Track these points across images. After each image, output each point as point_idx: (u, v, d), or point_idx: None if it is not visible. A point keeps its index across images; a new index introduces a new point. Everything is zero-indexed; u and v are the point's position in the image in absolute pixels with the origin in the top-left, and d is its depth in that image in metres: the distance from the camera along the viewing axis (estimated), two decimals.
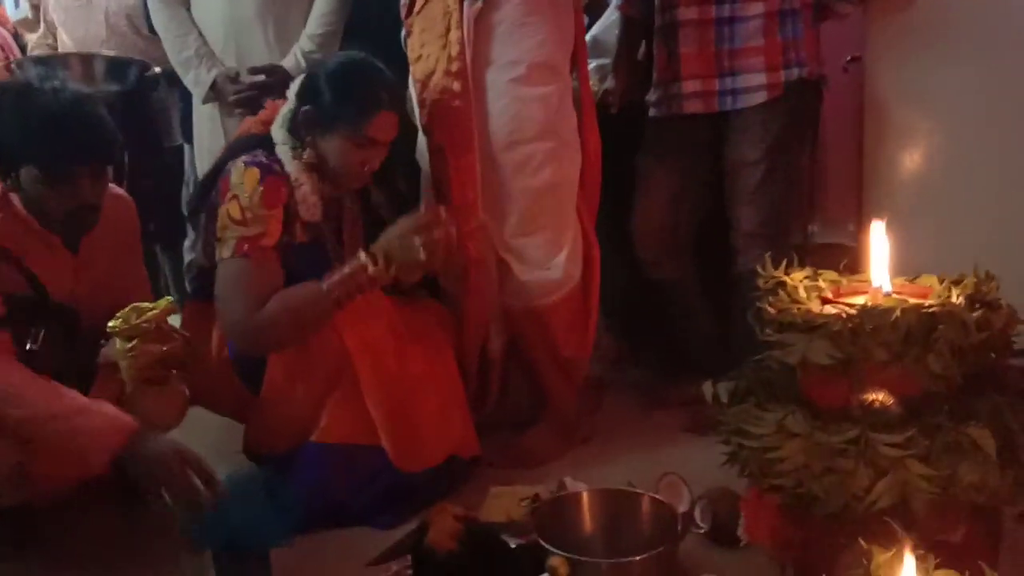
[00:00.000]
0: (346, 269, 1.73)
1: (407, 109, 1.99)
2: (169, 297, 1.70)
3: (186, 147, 2.74)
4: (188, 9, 2.34)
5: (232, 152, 1.86)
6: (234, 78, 2.29)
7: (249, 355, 1.82)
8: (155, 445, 1.55)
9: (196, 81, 2.33)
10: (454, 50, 1.90)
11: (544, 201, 2.00)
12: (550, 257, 2.03)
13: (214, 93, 2.32)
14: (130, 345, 1.62)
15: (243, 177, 1.75)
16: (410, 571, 1.55)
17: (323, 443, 1.81)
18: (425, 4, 1.94)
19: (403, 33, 2.09)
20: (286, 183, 1.79)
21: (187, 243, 2.79)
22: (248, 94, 2.27)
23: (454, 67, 1.90)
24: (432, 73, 1.93)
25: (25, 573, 1.72)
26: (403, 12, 2.03)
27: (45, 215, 1.67)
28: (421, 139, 2.07)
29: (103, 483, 1.87)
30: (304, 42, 2.31)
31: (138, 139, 2.71)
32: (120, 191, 1.91)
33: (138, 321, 1.62)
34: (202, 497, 1.53)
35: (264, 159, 1.79)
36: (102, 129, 1.66)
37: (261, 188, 1.74)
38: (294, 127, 1.82)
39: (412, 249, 1.72)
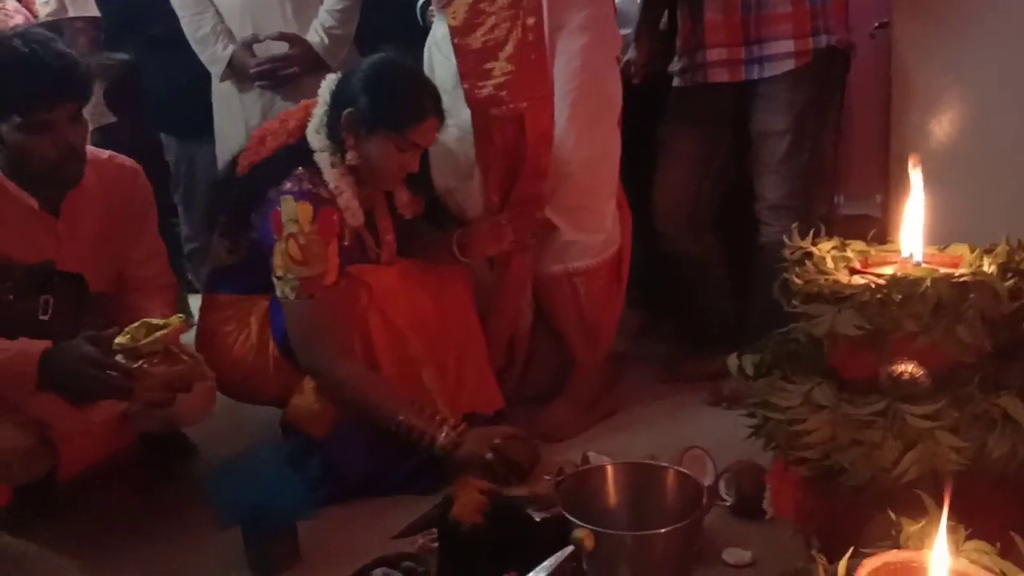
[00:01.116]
0: (426, 422, 1.74)
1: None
2: (181, 315, 1.62)
3: (164, 138, 2.68)
4: None
5: (271, 172, 1.81)
6: (251, 47, 2.27)
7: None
8: (66, 360, 1.53)
9: (213, 59, 2.31)
10: (531, 19, 1.88)
11: (601, 168, 2.03)
12: (601, 221, 2.07)
13: (231, 70, 2.31)
14: (135, 366, 1.54)
15: (296, 213, 1.74)
16: (435, 544, 1.56)
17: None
18: None
19: (429, 2, 2.04)
20: (336, 209, 1.78)
21: (185, 232, 2.76)
22: (270, 66, 2.26)
23: (531, 36, 1.88)
24: (504, 42, 1.89)
25: (49, 544, 1.74)
26: None
27: (26, 172, 1.64)
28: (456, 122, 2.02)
29: (129, 458, 1.91)
30: (324, 17, 2.29)
31: (140, 112, 2.71)
32: (126, 159, 1.90)
33: (145, 341, 1.54)
34: (115, 390, 1.54)
35: (310, 186, 1.77)
36: (74, 67, 1.62)
37: (316, 224, 1.74)
38: (333, 131, 1.79)
39: (477, 460, 1.73)
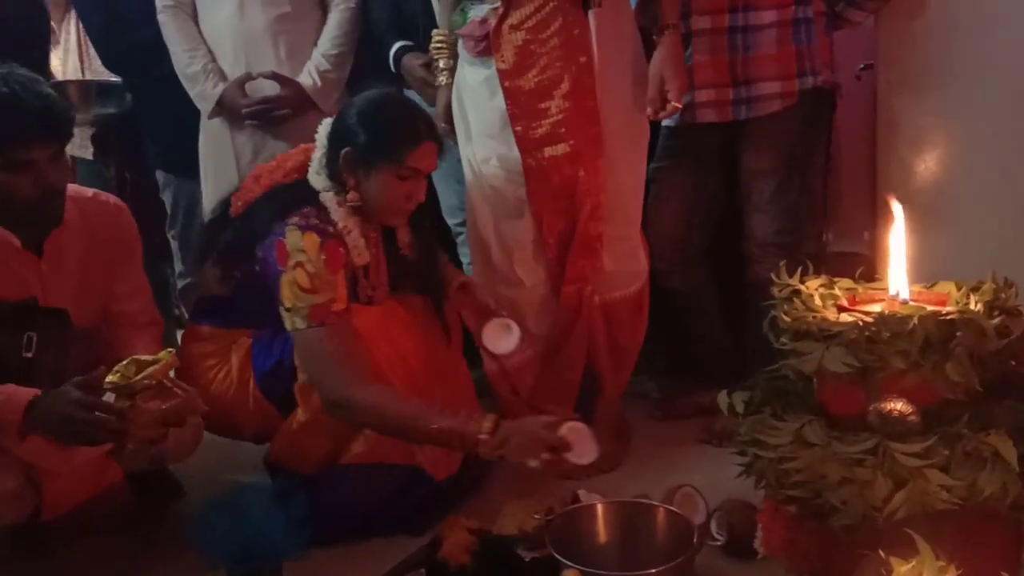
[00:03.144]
0: (463, 423, 1.63)
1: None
2: (171, 349, 1.59)
3: (163, 176, 2.68)
4: (197, 23, 2.33)
5: (273, 207, 1.80)
6: (243, 86, 2.27)
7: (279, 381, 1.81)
8: (54, 405, 1.51)
9: (202, 96, 2.31)
10: (583, 57, 1.91)
11: (639, 197, 2.10)
12: (636, 250, 2.12)
13: (220, 108, 2.31)
14: (129, 404, 1.51)
15: (302, 243, 1.73)
16: None
17: (354, 464, 1.81)
18: (533, 13, 1.90)
19: (466, 46, 2.01)
20: (342, 244, 1.78)
21: (179, 268, 2.75)
22: (260, 107, 2.27)
23: (584, 73, 1.92)
24: (559, 80, 1.91)
25: None
26: (477, 27, 1.95)
27: (7, 211, 1.63)
28: (489, 169, 2.01)
29: (116, 498, 1.88)
30: (318, 60, 2.30)
31: (133, 159, 2.73)
32: (110, 196, 1.89)
33: (138, 378, 1.51)
34: (107, 431, 1.51)
35: (316, 220, 1.77)
36: (56, 107, 1.62)
37: (323, 255, 1.73)
38: (334, 172, 1.80)
39: (529, 454, 1.57)
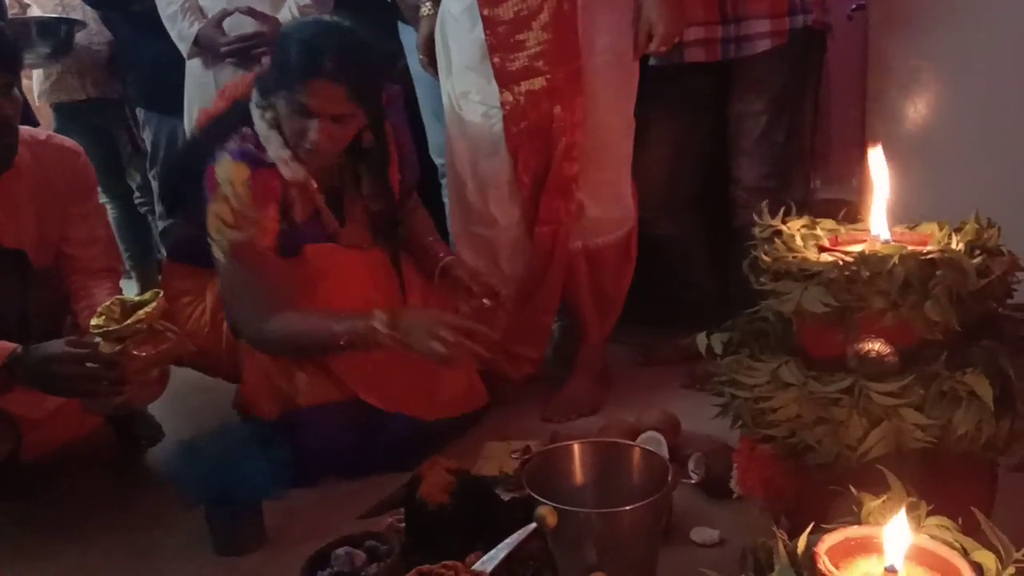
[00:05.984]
0: (360, 323, 1.63)
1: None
2: (158, 290, 1.55)
3: (141, 113, 2.68)
4: None
5: (220, 128, 1.74)
6: (221, 24, 2.24)
7: None
8: (42, 362, 1.48)
9: (180, 36, 2.29)
10: None
11: (628, 140, 2.04)
12: (622, 196, 2.07)
13: (198, 48, 2.27)
14: (119, 348, 1.46)
15: (231, 173, 1.66)
16: (402, 524, 1.54)
17: (311, 405, 1.79)
18: None
19: None
20: (277, 174, 1.70)
21: (160, 209, 2.74)
22: (239, 44, 2.23)
23: (565, 5, 1.86)
24: (539, 10, 1.85)
25: (20, 528, 1.72)
26: None
27: None
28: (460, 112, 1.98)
29: (96, 439, 1.88)
30: None
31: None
32: (66, 140, 1.86)
33: (129, 322, 1.46)
34: (103, 384, 1.49)
35: (252, 145, 1.70)
36: (3, 38, 1.58)
37: (250, 185, 1.66)
38: (262, 89, 1.75)
39: (430, 344, 1.58)
